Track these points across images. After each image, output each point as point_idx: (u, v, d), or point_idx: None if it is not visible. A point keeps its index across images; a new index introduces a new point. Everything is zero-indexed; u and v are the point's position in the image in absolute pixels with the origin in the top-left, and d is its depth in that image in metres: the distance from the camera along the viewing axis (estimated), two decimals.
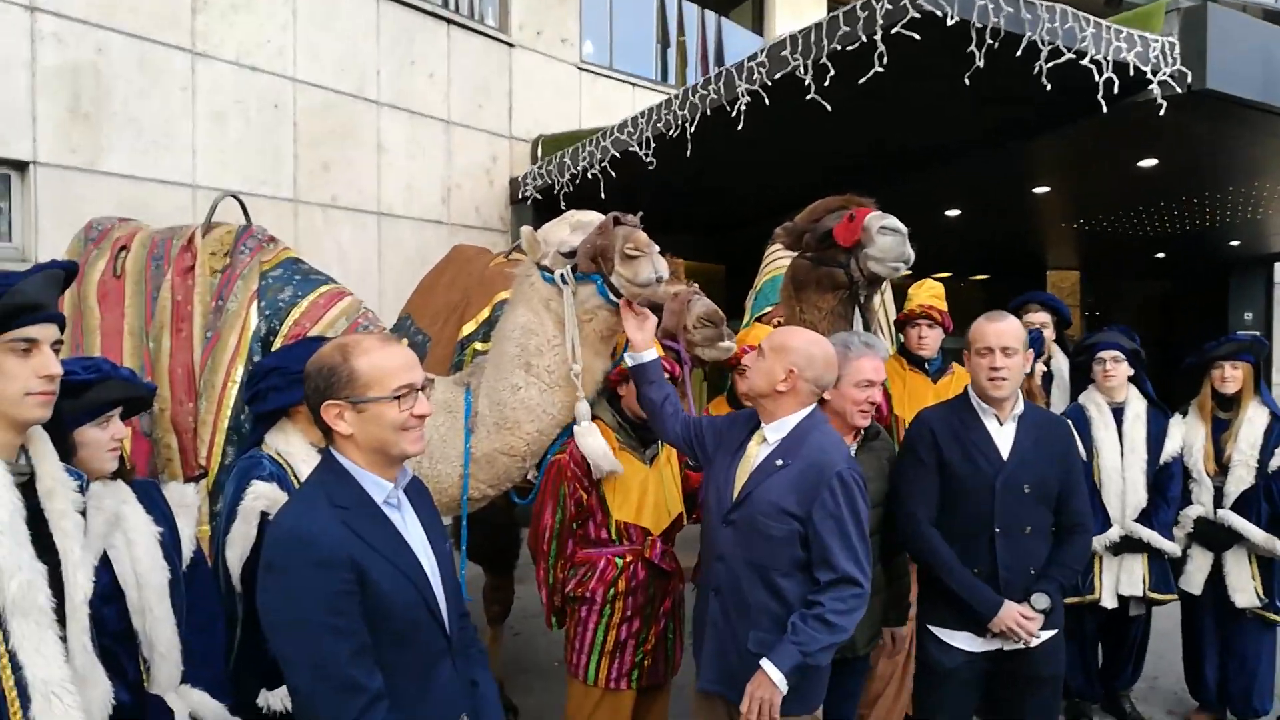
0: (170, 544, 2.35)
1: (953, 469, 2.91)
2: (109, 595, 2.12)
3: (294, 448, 2.53)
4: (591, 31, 9.81)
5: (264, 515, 2.33)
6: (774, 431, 2.57)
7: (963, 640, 2.92)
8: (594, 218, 3.06)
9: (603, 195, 6.79)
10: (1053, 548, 2.91)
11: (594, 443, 2.93)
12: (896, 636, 3.15)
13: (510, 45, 8.52)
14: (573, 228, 3.00)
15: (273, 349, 3.12)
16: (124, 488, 2.32)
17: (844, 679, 2.92)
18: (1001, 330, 2.90)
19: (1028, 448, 2.87)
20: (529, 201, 8.21)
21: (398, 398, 1.83)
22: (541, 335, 2.96)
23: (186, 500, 2.54)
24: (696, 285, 3.68)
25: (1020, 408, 2.95)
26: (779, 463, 2.50)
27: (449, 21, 7.92)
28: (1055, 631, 2.89)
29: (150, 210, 5.31)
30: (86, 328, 3.44)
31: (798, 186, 4.19)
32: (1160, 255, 13.68)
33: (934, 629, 2.97)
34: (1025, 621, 2.78)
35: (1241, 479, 3.98)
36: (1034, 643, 2.80)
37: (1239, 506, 3.98)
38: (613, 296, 2.87)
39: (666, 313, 3.64)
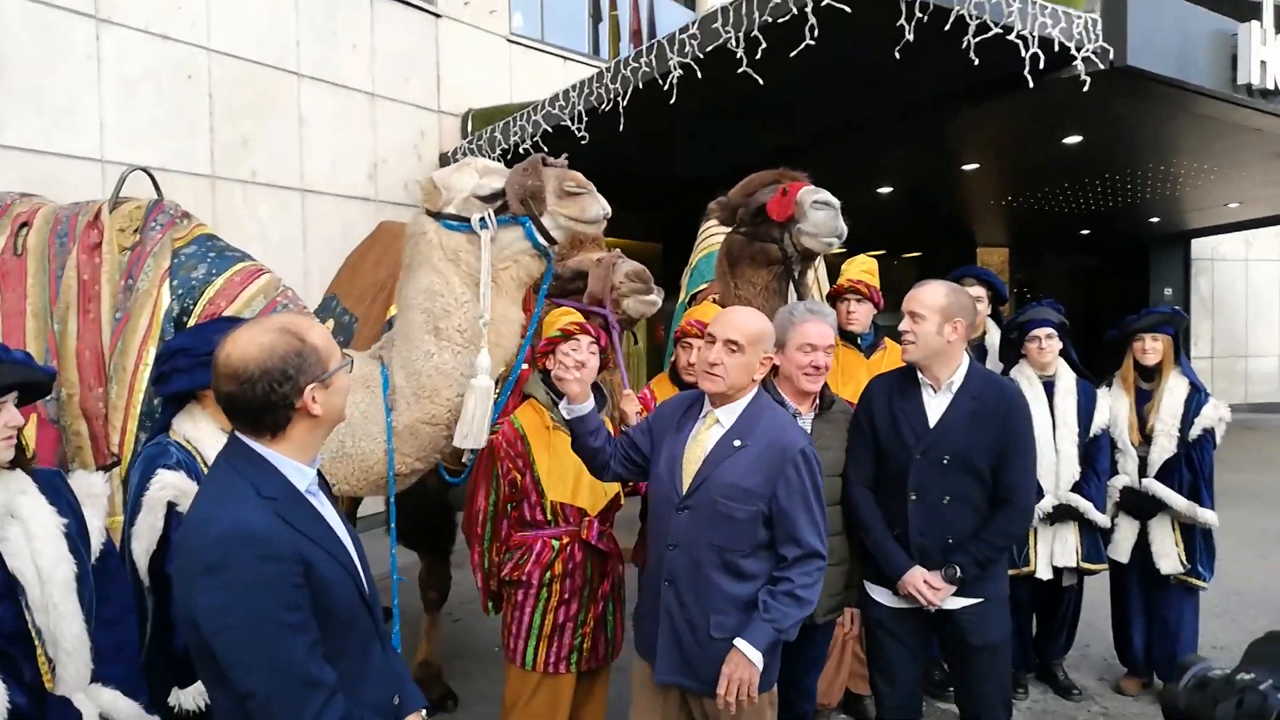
0: (77, 535, 2.22)
1: (881, 435, 2.96)
2: (1, 593, 1.98)
3: (202, 434, 2.40)
4: (521, 3, 9.61)
5: (171, 506, 2.21)
6: (728, 414, 2.52)
7: (882, 595, 2.99)
8: (499, 165, 2.98)
9: (563, 158, 6.66)
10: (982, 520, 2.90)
11: (476, 404, 2.81)
12: (855, 617, 3.13)
13: (436, 16, 8.29)
14: (482, 173, 2.90)
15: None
16: (23, 477, 2.17)
17: (807, 648, 2.97)
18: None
19: (958, 418, 2.85)
20: None
21: (347, 363, 1.83)
22: (447, 295, 2.88)
23: (94, 489, 2.40)
24: (619, 250, 3.64)
25: (959, 378, 2.91)
26: (736, 443, 2.46)
27: None
28: (978, 600, 2.88)
29: (56, 186, 5.02)
30: None
31: (732, 162, 4.15)
32: (1085, 232, 14.09)
33: (865, 582, 3.06)
34: (925, 588, 2.82)
35: (1164, 448, 4.07)
36: (940, 606, 2.85)
37: (1162, 475, 4.07)
38: (541, 240, 2.82)
39: (592, 278, 3.61)
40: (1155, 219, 13.10)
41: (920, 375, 2.95)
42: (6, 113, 5.38)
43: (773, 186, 3.71)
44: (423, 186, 2.90)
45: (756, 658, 2.34)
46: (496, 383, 2.97)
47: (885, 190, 10.15)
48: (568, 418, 2.57)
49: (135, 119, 6.02)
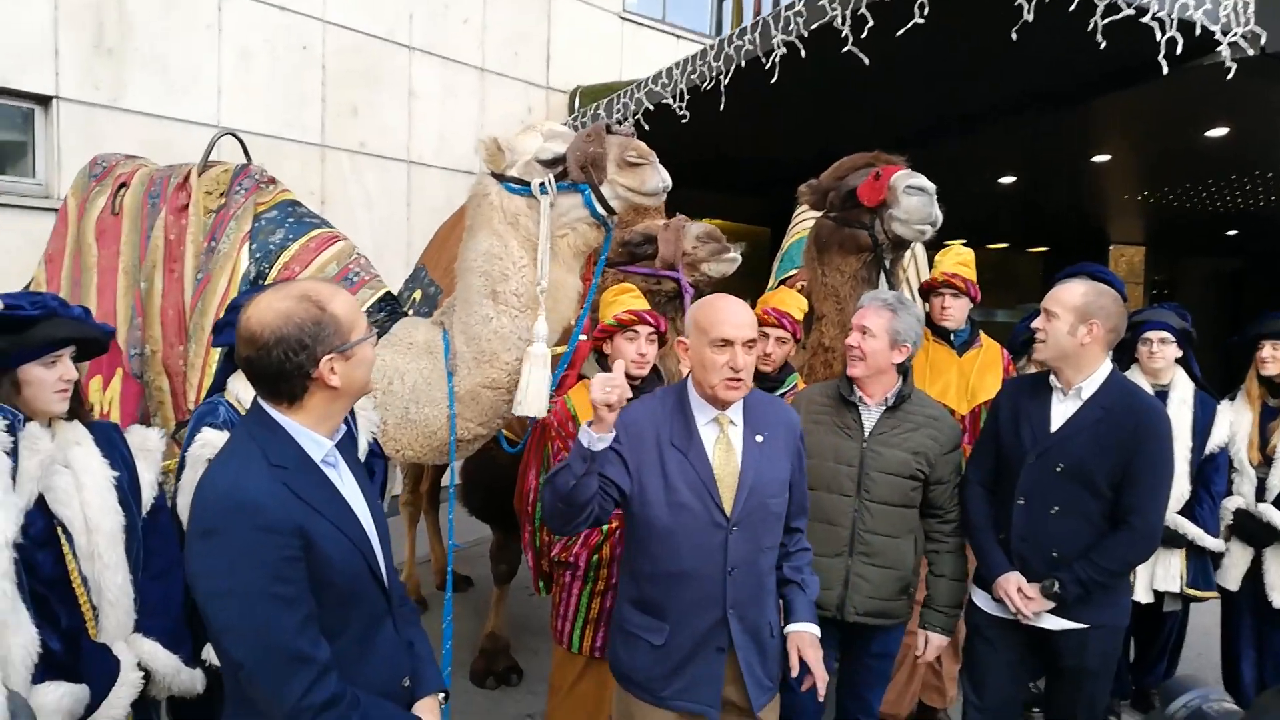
0: (128, 488, 2.29)
1: (1003, 436, 2.84)
2: (42, 540, 2.05)
3: (250, 394, 2.43)
4: None
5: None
6: (736, 411, 2.31)
7: (981, 599, 2.88)
8: (565, 129, 2.93)
9: (629, 126, 6.59)
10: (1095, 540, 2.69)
11: (532, 371, 2.75)
12: (929, 641, 2.92)
13: None
14: (547, 136, 2.85)
15: None
16: (78, 428, 2.25)
17: (866, 659, 2.95)
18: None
19: (1082, 426, 2.67)
20: None
21: (372, 335, 1.80)
22: (506, 259, 2.84)
23: (149, 444, 2.46)
24: (683, 216, 3.54)
25: (1094, 385, 2.70)
26: (759, 438, 2.30)
27: None
28: (1084, 627, 2.69)
29: (173, 150, 5.24)
30: (84, 265, 3.39)
31: (842, 146, 3.97)
32: (1232, 232, 13.08)
33: (972, 585, 2.95)
34: (1018, 596, 2.68)
35: None
36: (1033, 620, 2.70)
37: None
38: (599, 209, 2.76)
39: (662, 242, 3.55)
40: None
41: (1052, 377, 2.78)
42: (131, 78, 5.64)
43: (865, 170, 3.55)
44: (486, 147, 2.85)
45: (818, 632, 2.33)
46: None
47: (1007, 180, 9.65)
48: (588, 447, 2.08)
49: (251, 87, 6.24)
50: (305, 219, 3.42)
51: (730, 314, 2.21)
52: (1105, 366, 2.74)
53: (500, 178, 2.85)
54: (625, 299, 2.99)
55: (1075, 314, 2.67)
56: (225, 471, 1.68)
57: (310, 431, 1.76)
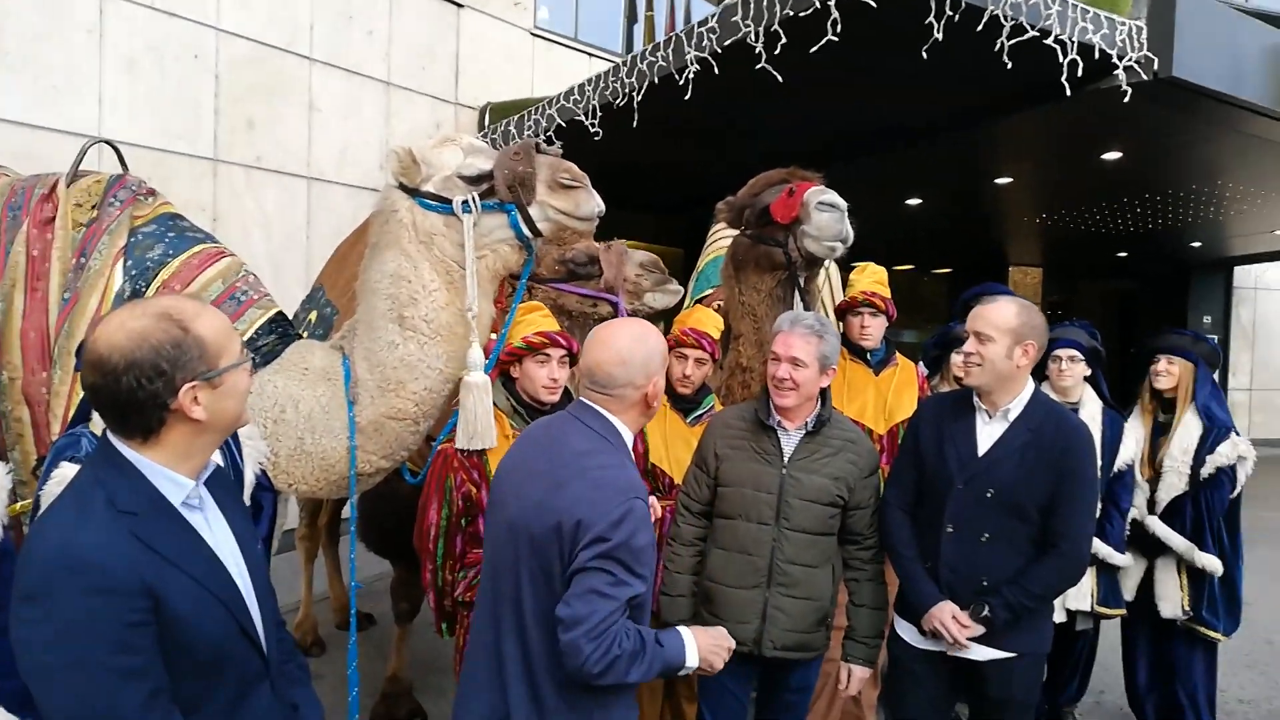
0: None
1: (926, 460, 2.74)
2: None
3: None
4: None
5: None
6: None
7: (907, 631, 2.77)
8: (485, 145, 2.80)
9: (557, 146, 6.46)
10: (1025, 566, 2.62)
11: (475, 402, 2.62)
12: (851, 675, 2.79)
13: (458, 6, 8.10)
14: (468, 151, 2.70)
15: None
16: None
17: (775, 690, 2.83)
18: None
19: (1010, 450, 2.59)
20: None
21: (246, 361, 1.60)
22: (415, 281, 2.69)
23: None
24: (622, 241, 3.44)
25: (1020, 406, 2.63)
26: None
27: None
28: (1011, 655, 2.61)
29: (49, 162, 4.80)
30: None
31: (756, 166, 3.91)
32: (1122, 254, 13.64)
33: (895, 616, 2.85)
34: (953, 625, 2.58)
35: (1172, 485, 3.76)
36: (966, 651, 2.61)
37: (1170, 514, 3.77)
38: (525, 230, 2.65)
39: (605, 265, 3.42)
40: (1197, 244, 12.63)
41: (976, 399, 2.70)
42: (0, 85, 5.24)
43: (779, 186, 3.49)
44: (400, 158, 2.68)
45: None
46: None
47: (914, 201, 9.83)
48: (680, 666, 1.98)
49: (135, 96, 5.87)
50: (187, 233, 3.15)
51: None
52: (1029, 386, 2.68)
53: (413, 192, 2.69)
54: (535, 318, 2.83)
55: (1011, 336, 2.58)
56: (59, 523, 1.44)
57: (168, 470, 1.53)
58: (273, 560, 6.04)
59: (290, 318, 3.05)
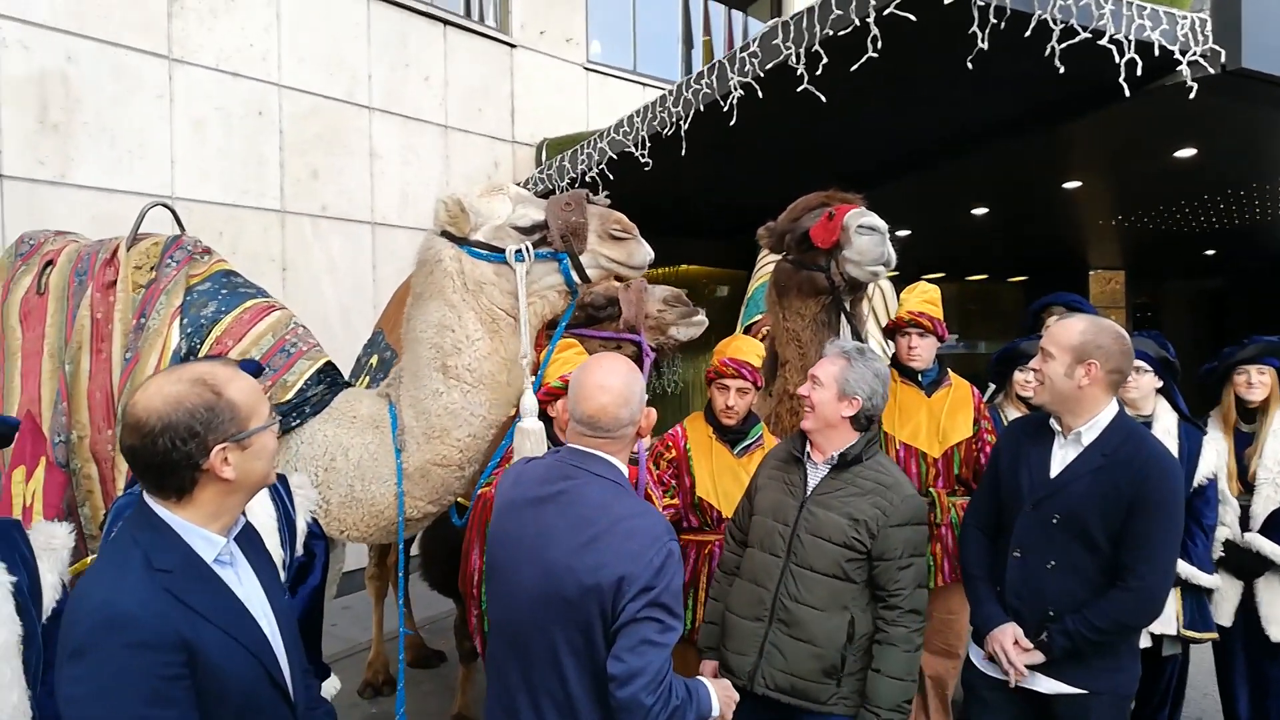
0: (28, 593, 2.09)
1: (1003, 481, 2.68)
2: None
3: None
4: (609, 31, 9.55)
5: None
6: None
7: (977, 656, 2.69)
8: (528, 194, 2.86)
9: (605, 196, 6.52)
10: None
11: (530, 449, 2.62)
12: None
13: (511, 46, 8.27)
14: (516, 200, 2.76)
15: None
16: None
17: None
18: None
19: (1081, 474, 2.49)
20: None
21: (274, 423, 1.68)
22: (459, 331, 2.74)
23: (54, 542, 2.26)
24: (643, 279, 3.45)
25: (1095, 430, 2.51)
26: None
27: (445, 22, 7.67)
28: (1081, 692, 2.47)
29: (125, 225, 5.12)
30: (8, 350, 3.22)
31: (807, 186, 3.85)
32: (1210, 252, 13.05)
33: (971, 641, 2.77)
34: (1012, 649, 2.49)
35: (1269, 498, 3.56)
36: (1029, 681, 2.51)
37: (1269, 528, 3.56)
38: (575, 277, 2.71)
39: (624, 304, 3.46)
40: None
41: (1052, 420, 2.61)
42: (79, 152, 5.53)
43: (819, 210, 3.46)
44: (449, 209, 2.73)
45: None
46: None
47: (980, 211, 9.58)
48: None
49: (205, 155, 6.13)
50: (240, 289, 3.27)
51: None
52: (1110, 409, 2.54)
53: (461, 241, 2.74)
54: (570, 356, 2.85)
55: (1072, 354, 2.50)
56: (99, 582, 1.52)
57: (200, 529, 1.61)
58: (347, 599, 6.20)
59: (337, 368, 3.12)
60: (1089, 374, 2.47)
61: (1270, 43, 5.15)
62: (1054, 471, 2.54)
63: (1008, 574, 2.57)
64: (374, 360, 4.48)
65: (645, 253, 2.77)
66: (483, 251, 2.71)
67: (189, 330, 3.06)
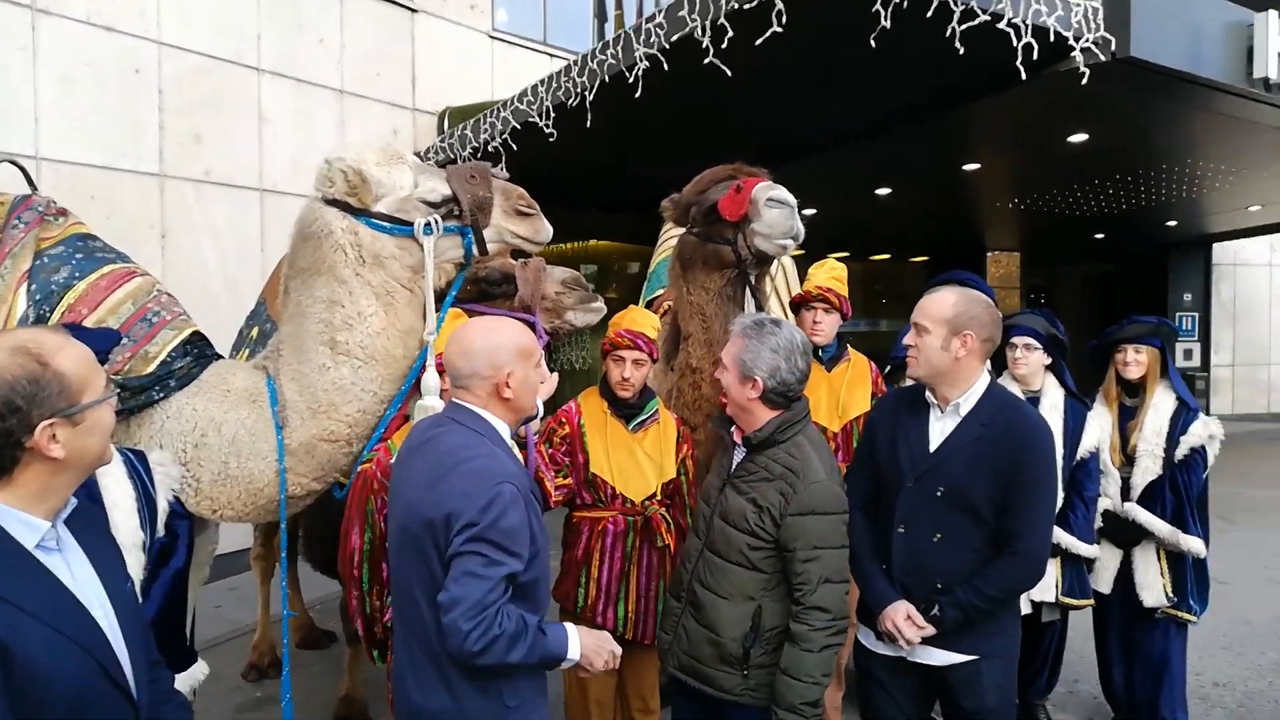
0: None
1: (881, 457, 2.65)
2: None
3: None
4: (517, 1, 9.30)
5: None
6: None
7: (867, 637, 2.67)
8: (430, 165, 2.77)
9: (505, 171, 6.33)
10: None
11: None
12: None
13: (413, 10, 7.97)
14: (416, 170, 2.64)
15: None
16: None
17: None
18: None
19: (960, 445, 2.48)
20: None
21: (111, 396, 1.54)
22: (350, 307, 2.62)
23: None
24: (542, 258, 3.31)
25: (971, 401, 2.50)
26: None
27: None
28: (972, 658, 2.48)
29: None
30: None
31: (714, 161, 3.79)
32: (1099, 236, 13.60)
33: (860, 624, 2.73)
34: (905, 624, 2.47)
35: (1148, 470, 3.70)
36: (923, 655, 2.51)
37: (1145, 499, 3.70)
38: (476, 252, 2.68)
39: (521, 282, 3.31)
40: (1173, 222, 12.60)
41: (928, 393, 2.59)
42: None
43: (726, 183, 3.39)
44: (347, 178, 2.57)
45: None
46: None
47: (884, 192, 9.74)
48: (559, 658, 2.03)
49: (75, 115, 5.72)
50: (97, 254, 3.02)
51: (530, 332, 2.20)
52: (983, 379, 2.55)
53: (357, 212, 2.58)
54: (459, 325, 2.71)
55: (947, 327, 2.49)
56: None
57: (20, 512, 1.45)
58: (234, 579, 5.95)
59: (206, 338, 2.92)
60: (965, 345, 2.47)
61: (1157, 32, 5.32)
62: (934, 445, 2.53)
63: (894, 550, 2.56)
64: (254, 333, 4.27)
65: (549, 229, 2.76)
66: (385, 224, 2.59)
67: (37, 297, 2.80)
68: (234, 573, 6.05)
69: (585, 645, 2.01)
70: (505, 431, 2.09)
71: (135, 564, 2.30)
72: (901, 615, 2.49)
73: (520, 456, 2.46)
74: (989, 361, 2.64)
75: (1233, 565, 4.01)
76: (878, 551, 2.62)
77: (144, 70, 6.05)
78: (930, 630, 2.47)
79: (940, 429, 2.55)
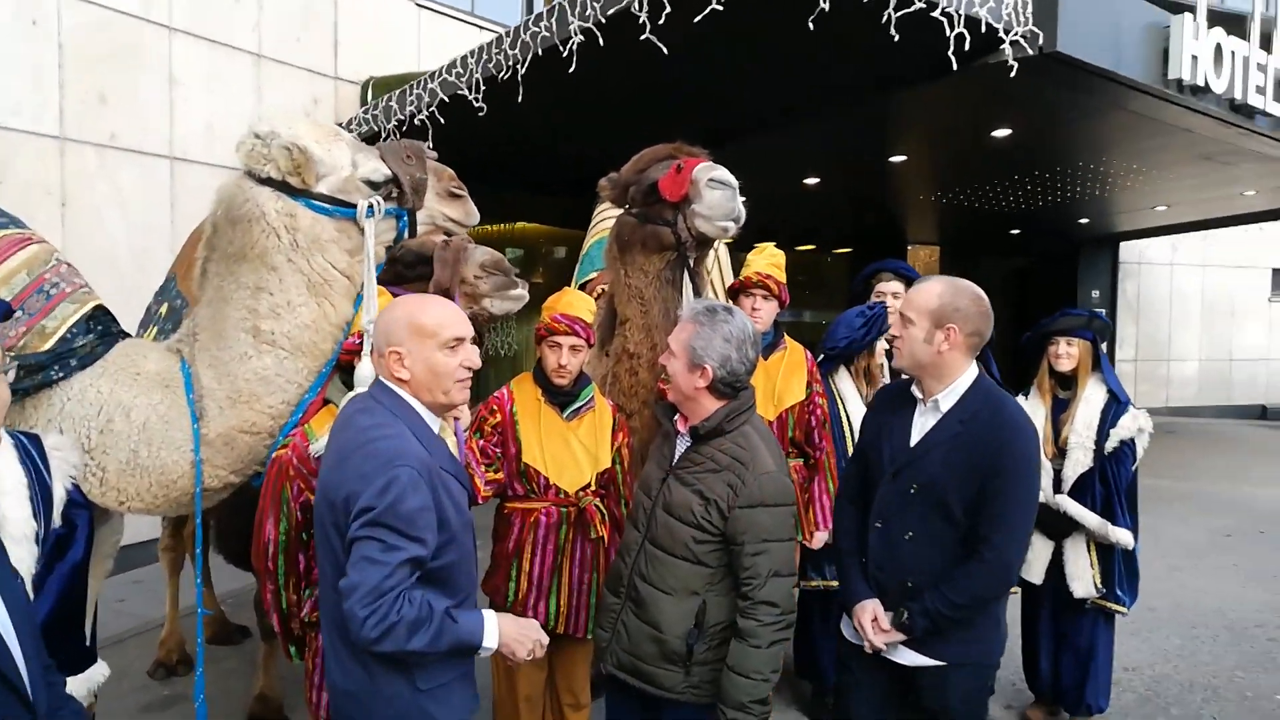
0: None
1: (867, 452, 2.63)
2: None
3: None
4: None
5: None
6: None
7: (845, 626, 2.63)
8: (362, 144, 2.61)
9: (430, 145, 6.11)
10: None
11: None
12: None
13: None
14: (354, 149, 2.52)
15: None
16: None
17: None
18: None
19: (938, 442, 2.41)
20: None
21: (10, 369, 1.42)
22: (278, 295, 2.47)
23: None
24: (467, 234, 3.15)
25: (954, 396, 2.43)
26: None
27: None
28: (942, 664, 2.43)
29: None
30: None
31: (649, 142, 3.69)
32: (1015, 231, 13.97)
33: (845, 614, 2.67)
34: (870, 626, 2.45)
35: (1079, 462, 3.76)
36: (892, 654, 2.47)
37: (1076, 490, 3.76)
38: (407, 234, 2.62)
39: (438, 263, 3.14)
40: (1085, 220, 13.02)
41: (913, 387, 2.54)
42: None
43: (667, 163, 3.30)
44: (292, 155, 2.39)
45: None
46: None
47: (812, 181, 9.80)
48: (474, 646, 1.96)
49: None
50: None
51: (452, 311, 2.08)
52: (969, 374, 2.45)
53: (296, 192, 2.42)
54: (380, 303, 2.57)
55: (930, 318, 2.41)
56: None
57: None
58: (138, 572, 5.66)
59: (111, 313, 2.71)
60: (949, 338, 2.40)
61: (1082, 29, 5.41)
62: (913, 440, 2.49)
63: (869, 545, 2.52)
64: (164, 309, 4.02)
65: (476, 212, 2.75)
66: (328, 206, 2.46)
67: None
68: (140, 565, 5.75)
69: (506, 633, 1.95)
70: (428, 415, 2.02)
71: (27, 556, 2.12)
72: (868, 616, 2.46)
73: (450, 442, 2.34)
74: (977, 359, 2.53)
75: (1138, 551, 4.18)
76: (859, 546, 2.58)
77: (41, 21, 5.64)
78: (897, 636, 2.43)
79: (922, 424, 2.50)
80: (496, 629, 1.93)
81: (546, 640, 2.03)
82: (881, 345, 4.00)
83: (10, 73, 5.52)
